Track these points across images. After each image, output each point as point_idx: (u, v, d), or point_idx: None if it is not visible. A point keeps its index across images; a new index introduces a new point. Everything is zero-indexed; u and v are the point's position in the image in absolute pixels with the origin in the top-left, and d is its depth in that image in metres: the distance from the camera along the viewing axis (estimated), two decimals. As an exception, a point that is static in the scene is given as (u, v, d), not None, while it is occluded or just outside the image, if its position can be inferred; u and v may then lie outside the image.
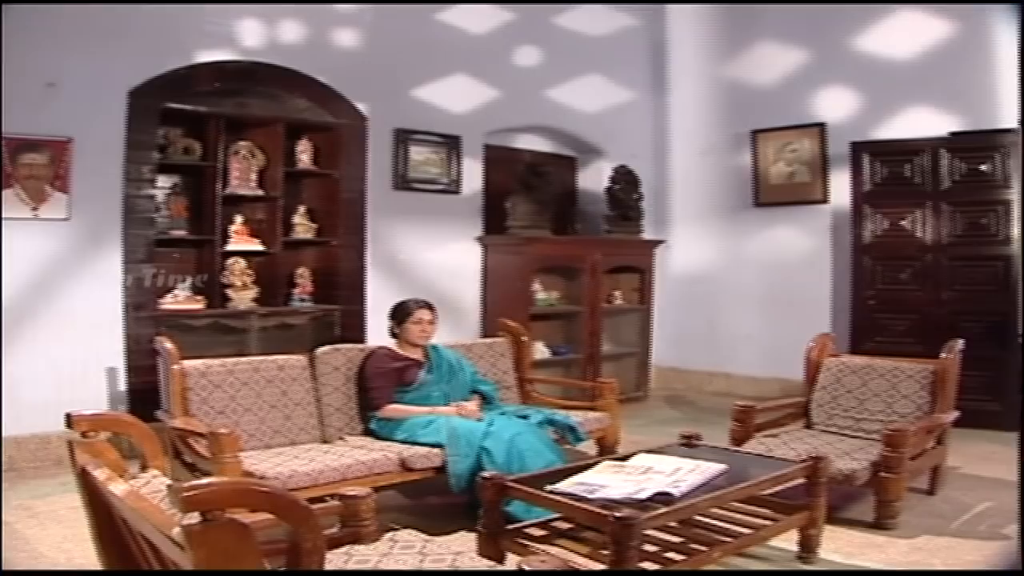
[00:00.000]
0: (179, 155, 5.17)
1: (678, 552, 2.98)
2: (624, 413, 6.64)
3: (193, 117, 5.23)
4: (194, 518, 1.60)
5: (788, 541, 3.47)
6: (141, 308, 4.96)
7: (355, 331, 5.86)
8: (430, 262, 6.42)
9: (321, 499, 3.32)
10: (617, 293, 7.31)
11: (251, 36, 5.35)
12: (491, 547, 3.08)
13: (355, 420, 4.38)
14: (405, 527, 3.85)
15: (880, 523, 3.77)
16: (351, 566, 2.45)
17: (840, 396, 4.54)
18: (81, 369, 4.74)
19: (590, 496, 2.91)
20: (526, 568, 2.04)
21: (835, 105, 6.55)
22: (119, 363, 4.87)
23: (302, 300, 5.82)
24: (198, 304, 5.28)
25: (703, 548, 3.00)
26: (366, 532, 2.68)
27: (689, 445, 3.77)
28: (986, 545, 3.62)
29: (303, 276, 5.87)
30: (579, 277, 6.81)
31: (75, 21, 4.62)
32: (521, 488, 3.02)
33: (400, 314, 4.54)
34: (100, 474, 2.15)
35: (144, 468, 2.40)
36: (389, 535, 2.67)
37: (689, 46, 7.61)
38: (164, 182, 5.21)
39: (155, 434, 2.40)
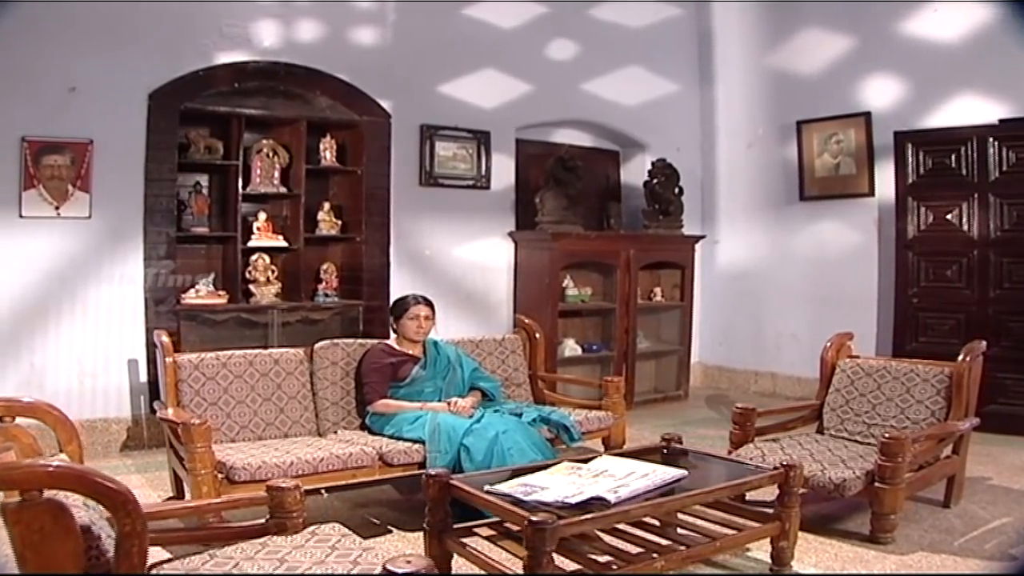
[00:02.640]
0: (201, 154, 5.32)
1: (624, 560, 2.88)
2: (658, 412, 6.56)
3: (215, 117, 5.39)
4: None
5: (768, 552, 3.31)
6: (162, 303, 5.14)
7: (379, 326, 5.91)
8: (458, 258, 6.42)
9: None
10: (657, 290, 7.14)
11: (270, 37, 5.46)
12: (436, 546, 3.05)
13: (353, 414, 4.43)
14: (387, 522, 3.92)
15: (875, 537, 3.55)
16: (263, 555, 2.47)
17: (853, 400, 4.31)
18: (103, 361, 4.95)
19: (524, 498, 2.84)
20: (392, 569, 2.01)
21: (881, 93, 6.20)
22: (140, 355, 5.06)
23: (326, 295, 5.91)
24: (220, 299, 5.43)
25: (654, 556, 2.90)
26: (292, 523, 2.70)
27: (668, 448, 3.65)
28: (986, 565, 3.34)
29: (328, 272, 5.96)
30: (614, 273, 6.69)
31: (94, 26, 4.82)
32: (460, 487, 2.98)
33: (398, 310, 4.56)
34: (4, 458, 2.24)
35: (61, 451, 2.49)
36: (311, 528, 2.68)
37: (734, 36, 7.34)
38: (187, 180, 5.38)
39: (69, 421, 2.48)
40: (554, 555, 2.91)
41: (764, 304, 7.16)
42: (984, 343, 4.07)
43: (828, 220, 6.63)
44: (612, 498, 2.77)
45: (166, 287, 5.15)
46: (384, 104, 5.97)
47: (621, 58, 7.14)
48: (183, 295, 5.31)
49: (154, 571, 2.40)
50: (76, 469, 1.75)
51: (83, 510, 1.94)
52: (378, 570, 2.37)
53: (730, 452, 4.04)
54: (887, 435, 3.54)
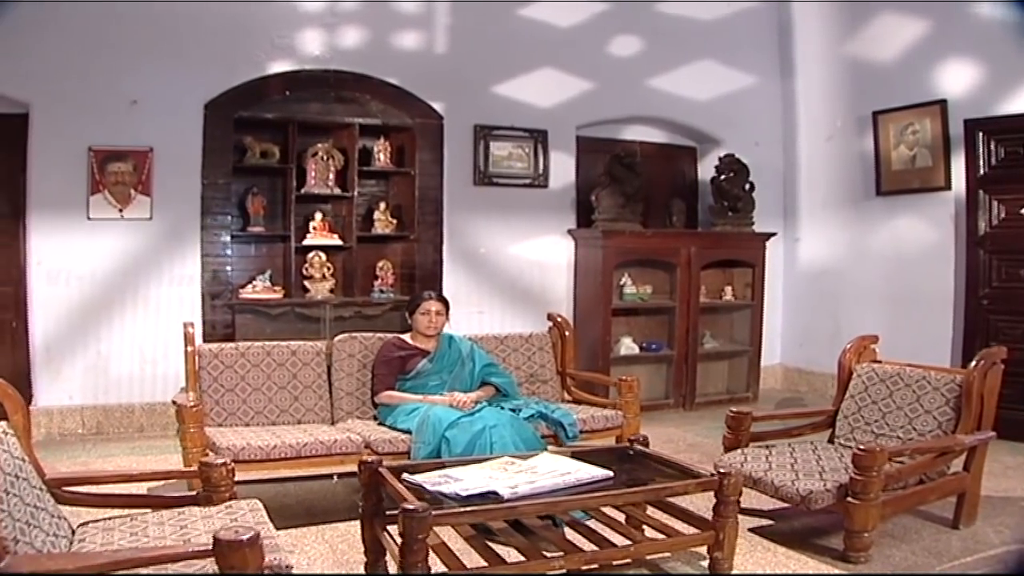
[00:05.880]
0: (256, 159, 5.72)
1: (527, 556, 2.89)
2: (719, 414, 6.29)
3: (271, 123, 5.76)
4: None
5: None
6: (217, 297, 5.58)
7: (430, 322, 6.10)
8: (515, 256, 6.50)
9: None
10: (728, 288, 6.92)
11: (320, 45, 5.79)
12: (368, 530, 3.19)
13: (367, 404, 4.60)
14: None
15: (846, 555, 3.34)
16: (171, 521, 2.73)
17: (865, 407, 4.05)
18: (163, 349, 5.42)
19: (431, 488, 2.92)
20: (217, 537, 2.15)
21: (956, 79, 5.71)
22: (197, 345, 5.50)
23: (382, 292, 6.18)
24: (276, 294, 5.81)
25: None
26: (218, 497, 2.93)
27: (632, 449, 3.60)
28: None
29: (383, 269, 6.22)
30: (676, 272, 6.55)
31: (153, 44, 5.32)
32: (383, 475, 3.09)
33: (411, 305, 4.71)
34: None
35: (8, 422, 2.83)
36: (230, 502, 2.89)
37: (813, 26, 6.99)
38: (244, 183, 5.79)
39: (17, 396, 2.80)
40: (471, 546, 3.01)
41: (842, 304, 6.78)
42: (1004, 349, 3.71)
43: (905, 216, 6.18)
44: (506, 493, 2.80)
45: (222, 282, 5.59)
46: (436, 106, 6.16)
47: (692, 53, 6.98)
48: (241, 290, 5.73)
49: (78, 529, 2.70)
50: None
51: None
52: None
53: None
54: (861, 447, 3.32)
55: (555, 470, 3.08)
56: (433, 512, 2.60)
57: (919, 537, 3.60)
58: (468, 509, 2.71)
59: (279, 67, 5.68)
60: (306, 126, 5.85)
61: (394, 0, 6.00)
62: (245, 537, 2.12)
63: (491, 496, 2.80)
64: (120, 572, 2.14)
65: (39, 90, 5.08)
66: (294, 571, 2.42)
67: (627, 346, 6.54)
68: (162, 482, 3.85)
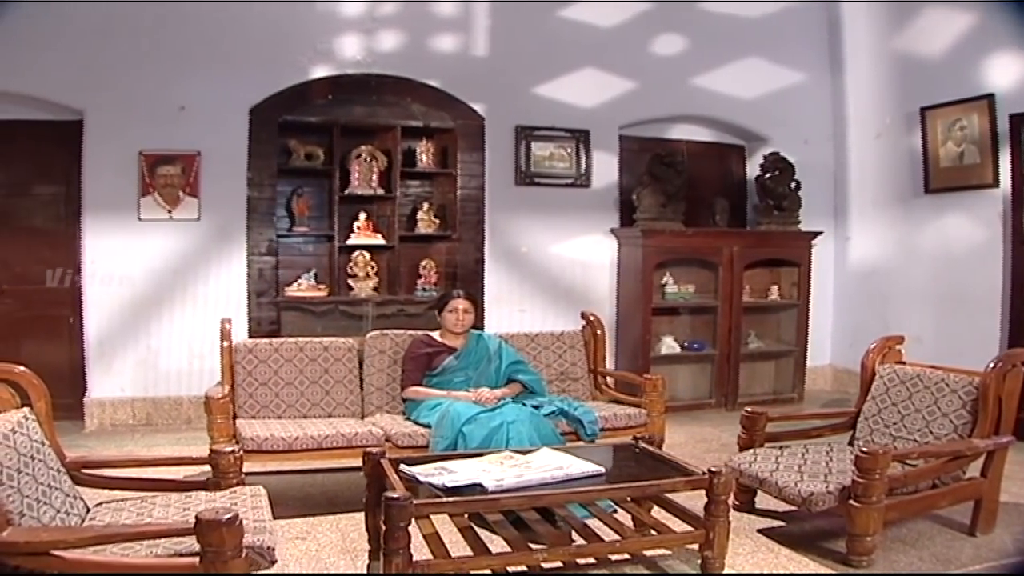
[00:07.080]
0: (301, 161, 5.92)
1: (514, 548, 2.96)
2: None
3: (315, 126, 5.96)
4: None
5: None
6: (263, 294, 5.81)
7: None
8: (557, 255, 6.55)
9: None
10: (774, 288, 6.82)
11: (362, 50, 5.97)
12: (370, 520, 3.30)
13: (397, 400, 4.72)
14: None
15: (848, 559, 3.30)
16: (176, 503, 2.92)
17: (885, 409, 3.98)
18: (210, 345, 5.60)
19: (423, 479, 3.02)
20: (198, 516, 2.29)
21: (1004, 72, 5.48)
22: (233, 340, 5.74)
23: (425, 290, 6.32)
24: (320, 292, 6.01)
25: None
26: (226, 482, 3.10)
27: (637, 447, 3.62)
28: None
29: (427, 268, 6.36)
30: (719, 271, 6.50)
31: (200, 52, 5.60)
32: (383, 466, 3.19)
33: (440, 304, 4.81)
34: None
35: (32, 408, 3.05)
36: (235, 488, 3.05)
37: (861, 21, 6.83)
38: (290, 184, 6.01)
39: (38, 383, 3.01)
40: (462, 534, 3.10)
41: (891, 305, 6.59)
42: (1025, 352, 3.59)
43: (953, 214, 5.97)
44: (491, 486, 2.87)
45: (267, 281, 5.81)
46: (477, 108, 6.27)
47: (738, 50, 6.91)
48: (287, 288, 5.95)
49: (93, 508, 2.89)
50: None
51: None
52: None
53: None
54: (863, 450, 3.27)
55: (547, 465, 3.14)
56: (415, 501, 2.69)
57: (931, 543, 3.51)
58: (450, 500, 2.79)
59: (321, 72, 5.88)
60: (349, 128, 6.03)
61: (432, 2, 6.13)
62: (224, 517, 2.26)
63: (477, 488, 2.87)
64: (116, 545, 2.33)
65: (93, 97, 5.40)
66: (295, 559, 2.53)
67: (668, 345, 6.51)
68: (198, 468, 4.07)
